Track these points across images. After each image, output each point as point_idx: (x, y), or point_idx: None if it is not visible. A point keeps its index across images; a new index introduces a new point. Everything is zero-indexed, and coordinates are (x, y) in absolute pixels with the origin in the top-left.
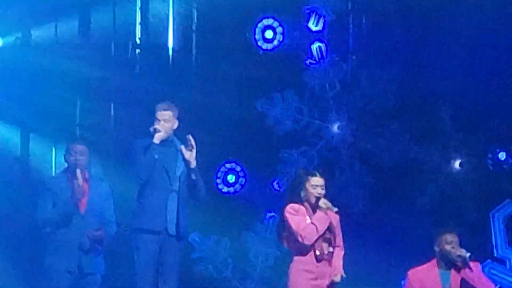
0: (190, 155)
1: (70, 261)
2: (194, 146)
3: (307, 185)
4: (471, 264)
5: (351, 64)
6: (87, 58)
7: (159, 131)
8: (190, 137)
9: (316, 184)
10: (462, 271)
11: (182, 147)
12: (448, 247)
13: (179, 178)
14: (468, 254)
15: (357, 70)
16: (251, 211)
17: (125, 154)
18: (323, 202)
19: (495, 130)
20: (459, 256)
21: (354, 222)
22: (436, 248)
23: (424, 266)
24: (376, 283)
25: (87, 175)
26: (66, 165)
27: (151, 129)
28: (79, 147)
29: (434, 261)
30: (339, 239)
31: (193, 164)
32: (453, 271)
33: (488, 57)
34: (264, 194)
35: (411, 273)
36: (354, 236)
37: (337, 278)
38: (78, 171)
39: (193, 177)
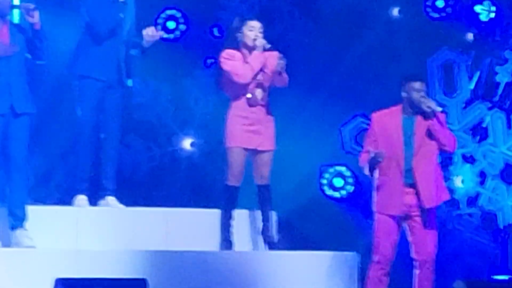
0: None
1: (2, 103)
2: None
3: (244, 29)
4: (438, 114)
5: None
6: None
7: None
8: None
9: (253, 26)
10: (428, 121)
11: None
12: (417, 95)
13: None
14: (439, 109)
15: None
16: (191, 58)
17: None
18: (258, 41)
19: None
20: (429, 107)
21: (296, 68)
22: (404, 94)
23: (389, 110)
24: (315, 128)
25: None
26: None
27: None
28: None
29: (400, 106)
30: (284, 79)
31: None
32: (418, 117)
33: None
34: (204, 41)
35: (375, 115)
36: (295, 81)
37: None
38: None
39: None
